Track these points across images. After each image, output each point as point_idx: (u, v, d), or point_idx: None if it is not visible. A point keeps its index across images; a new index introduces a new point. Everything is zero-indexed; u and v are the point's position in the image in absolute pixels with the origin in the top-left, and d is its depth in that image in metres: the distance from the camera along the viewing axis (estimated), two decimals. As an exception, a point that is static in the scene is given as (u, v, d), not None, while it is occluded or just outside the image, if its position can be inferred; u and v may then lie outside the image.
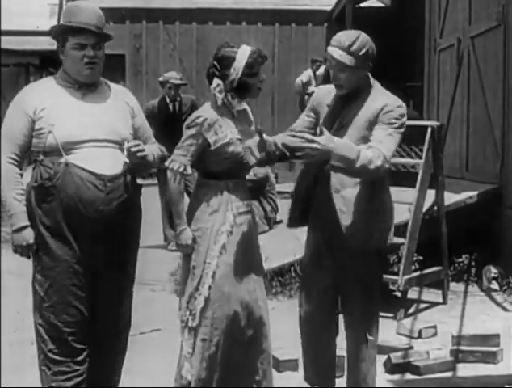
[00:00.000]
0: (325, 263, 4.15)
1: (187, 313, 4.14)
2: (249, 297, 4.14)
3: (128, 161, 3.97)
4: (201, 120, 4.14)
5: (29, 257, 3.99)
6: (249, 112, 4.35)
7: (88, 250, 3.92)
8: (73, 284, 3.93)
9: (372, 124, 3.96)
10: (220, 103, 4.15)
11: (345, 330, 4.20)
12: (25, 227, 3.91)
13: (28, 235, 3.91)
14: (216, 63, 4.16)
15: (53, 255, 3.92)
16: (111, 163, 3.94)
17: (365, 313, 4.10)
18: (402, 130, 3.99)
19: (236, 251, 4.14)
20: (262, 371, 4.20)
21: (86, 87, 4.00)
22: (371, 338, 4.13)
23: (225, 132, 4.14)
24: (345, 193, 4.03)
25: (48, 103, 3.92)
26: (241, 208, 4.18)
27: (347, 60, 3.94)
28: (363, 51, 3.95)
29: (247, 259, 4.17)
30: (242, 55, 4.12)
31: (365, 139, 3.94)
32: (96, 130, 3.93)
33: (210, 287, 4.10)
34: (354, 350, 4.15)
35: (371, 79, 4.11)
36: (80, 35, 3.92)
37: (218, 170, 4.18)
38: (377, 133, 3.92)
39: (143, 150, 3.99)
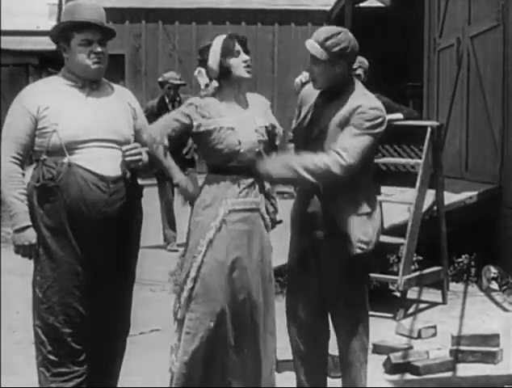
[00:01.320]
0: (312, 266, 4.13)
1: (177, 305, 4.16)
2: (237, 298, 4.11)
3: (127, 161, 3.97)
4: (189, 101, 4.20)
5: (31, 257, 3.97)
6: (260, 102, 4.32)
7: (89, 251, 3.91)
8: (74, 285, 3.92)
9: (344, 125, 3.93)
10: (202, 86, 4.19)
11: (335, 330, 4.17)
12: (27, 227, 3.89)
13: (30, 235, 3.89)
14: (198, 56, 4.25)
15: (54, 256, 3.90)
16: (115, 164, 3.94)
17: (351, 316, 4.05)
18: (375, 131, 3.89)
19: (225, 249, 4.10)
20: (250, 376, 4.15)
21: (90, 87, 4.00)
22: (357, 340, 4.09)
23: (213, 119, 4.14)
24: (330, 196, 4.02)
25: (51, 102, 3.91)
26: (237, 206, 4.14)
27: (318, 53, 3.92)
28: (338, 47, 3.91)
29: (241, 259, 4.13)
30: (218, 40, 4.18)
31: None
32: (100, 130, 3.93)
33: (195, 280, 4.09)
34: (342, 353, 4.13)
35: (356, 81, 4.07)
36: (87, 32, 3.92)
37: (215, 164, 4.18)
38: (342, 136, 3.89)
39: (140, 153, 4.00)
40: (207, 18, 16.07)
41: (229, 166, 4.15)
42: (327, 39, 3.92)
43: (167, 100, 9.19)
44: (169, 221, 9.15)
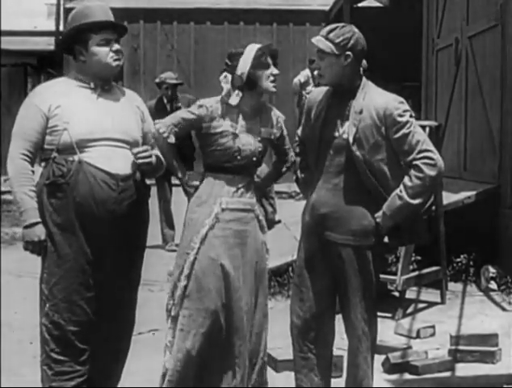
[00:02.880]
0: (320, 267, 4.13)
1: (171, 302, 4.17)
2: (230, 297, 4.10)
3: (139, 163, 4.02)
4: (202, 103, 4.20)
5: (39, 254, 3.98)
6: (272, 114, 4.31)
7: (97, 249, 3.93)
8: (80, 283, 3.94)
9: (379, 128, 3.96)
10: (225, 92, 4.18)
11: (345, 331, 4.18)
12: (36, 223, 3.91)
13: (40, 231, 3.91)
14: (227, 60, 4.24)
15: (61, 253, 3.92)
16: (124, 163, 3.98)
17: (363, 317, 4.07)
18: (413, 120, 4.00)
19: (218, 247, 4.11)
20: (241, 376, 4.15)
21: (102, 88, 4.04)
22: (367, 342, 4.10)
23: (221, 124, 4.15)
24: (340, 193, 4.03)
25: (62, 101, 3.95)
26: (231, 205, 4.16)
27: (323, 45, 3.99)
28: (342, 37, 3.98)
29: (234, 258, 4.13)
30: (251, 48, 4.18)
31: (377, 145, 3.96)
32: (110, 129, 3.97)
33: (188, 277, 4.10)
34: (351, 354, 4.13)
35: (364, 79, 4.09)
36: (104, 32, 3.99)
37: (212, 163, 4.19)
38: (400, 145, 3.95)
39: (151, 156, 4.05)
40: (206, 19, 16.05)
41: (226, 166, 4.16)
42: (331, 31, 4.01)
43: (165, 100, 9.19)
44: (168, 220, 9.15)
